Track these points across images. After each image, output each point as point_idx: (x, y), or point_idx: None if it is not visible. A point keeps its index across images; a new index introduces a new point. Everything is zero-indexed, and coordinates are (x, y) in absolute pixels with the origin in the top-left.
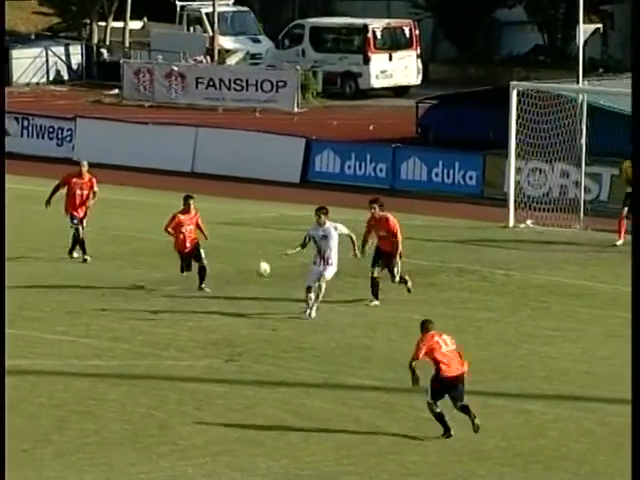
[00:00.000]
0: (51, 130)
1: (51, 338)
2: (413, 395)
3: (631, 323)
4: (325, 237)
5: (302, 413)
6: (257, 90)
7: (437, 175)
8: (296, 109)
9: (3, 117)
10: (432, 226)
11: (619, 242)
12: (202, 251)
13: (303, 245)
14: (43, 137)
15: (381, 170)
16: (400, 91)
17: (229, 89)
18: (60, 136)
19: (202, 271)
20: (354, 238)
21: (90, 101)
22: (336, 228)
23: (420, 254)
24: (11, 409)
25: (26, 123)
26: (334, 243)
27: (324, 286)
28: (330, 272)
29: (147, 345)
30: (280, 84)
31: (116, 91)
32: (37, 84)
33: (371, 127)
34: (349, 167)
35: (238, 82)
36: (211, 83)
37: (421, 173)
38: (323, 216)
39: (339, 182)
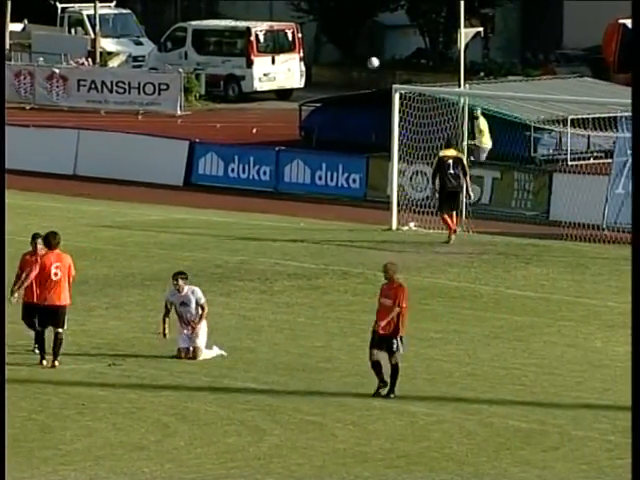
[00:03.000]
0: None
1: None
2: (297, 398)
3: (631, 325)
4: (184, 304)
5: (186, 417)
6: (140, 93)
7: (320, 178)
8: (179, 112)
9: (3, 119)
10: (316, 229)
11: (453, 238)
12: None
13: (167, 313)
14: None
15: (265, 173)
16: (283, 94)
17: (111, 92)
18: None
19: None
20: (206, 311)
21: None
22: (193, 292)
23: (304, 257)
24: None
25: None
26: (194, 309)
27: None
28: (202, 341)
29: (29, 349)
30: (163, 87)
31: None
32: None
33: (254, 130)
34: (232, 170)
35: (120, 85)
36: (93, 86)
37: (305, 176)
38: (181, 281)
39: (223, 185)
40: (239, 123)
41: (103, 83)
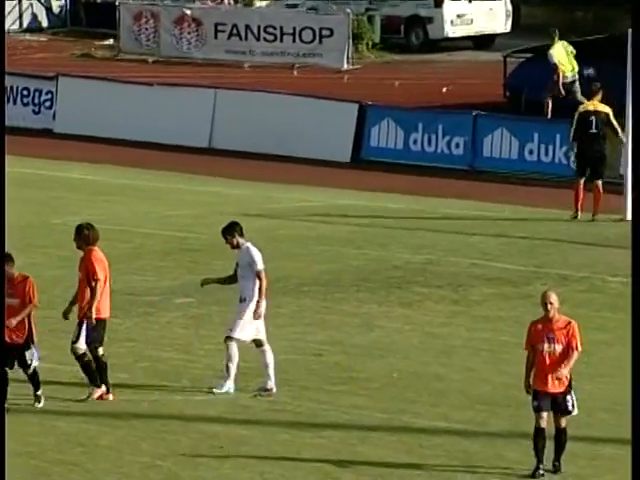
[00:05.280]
0: (25, 93)
1: None
2: (500, 442)
3: (631, 325)
4: (238, 265)
5: (355, 463)
6: (295, 41)
7: (531, 152)
8: (346, 65)
9: (3, 115)
10: (525, 219)
11: (579, 216)
12: (30, 354)
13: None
14: (15, 102)
15: (458, 145)
16: (483, 41)
17: (258, 39)
18: (37, 101)
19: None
20: (264, 283)
21: (77, 55)
22: (248, 249)
23: (509, 256)
24: None
25: None
26: (248, 273)
27: (230, 349)
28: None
29: (152, 375)
30: (325, 33)
31: (111, 42)
32: (7, 32)
33: (445, 89)
34: (415, 142)
35: (270, 30)
36: (235, 31)
37: (510, 149)
38: (229, 237)
39: (402, 161)
40: (424, 80)
41: (248, 28)
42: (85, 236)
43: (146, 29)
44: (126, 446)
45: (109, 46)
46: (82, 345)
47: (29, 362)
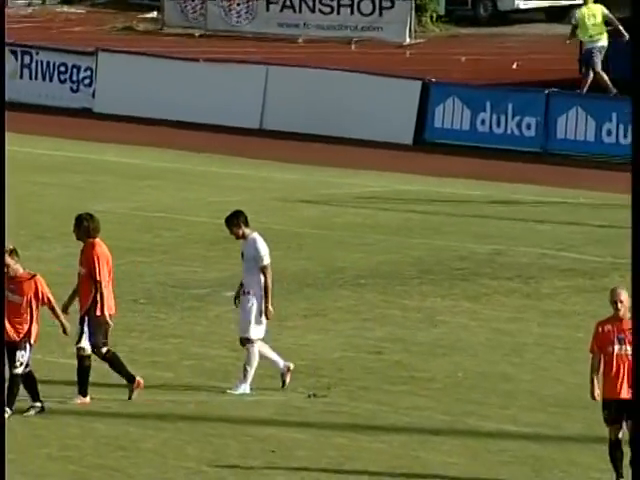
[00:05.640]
0: (63, 69)
1: (62, 363)
2: (574, 447)
3: (632, 324)
4: (243, 256)
5: (415, 470)
6: (353, 13)
7: (610, 133)
8: (408, 40)
9: (3, 111)
10: (602, 205)
11: None
12: (21, 354)
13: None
14: (51, 79)
15: (529, 126)
16: (556, 13)
17: (313, 11)
18: (75, 78)
19: (11, 386)
20: (269, 280)
21: (118, 28)
22: (255, 241)
23: (584, 245)
24: (9, 462)
25: (28, 59)
26: (253, 266)
27: (250, 351)
28: (253, 329)
29: (199, 374)
30: (386, 4)
31: (154, 14)
32: (43, 3)
33: (515, 65)
34: (483, 122)
35: (326, 2)
36: (288, 3)
37: (586, 130)
38: (234, 227)
39: (468, 143)
40: (493, 55)
41: (302, 0)
42: (85, 228)
43: (192, 0)
44: (170, 450)
45: (152, 19)
46: (86, 345)
47: (17, 362)
